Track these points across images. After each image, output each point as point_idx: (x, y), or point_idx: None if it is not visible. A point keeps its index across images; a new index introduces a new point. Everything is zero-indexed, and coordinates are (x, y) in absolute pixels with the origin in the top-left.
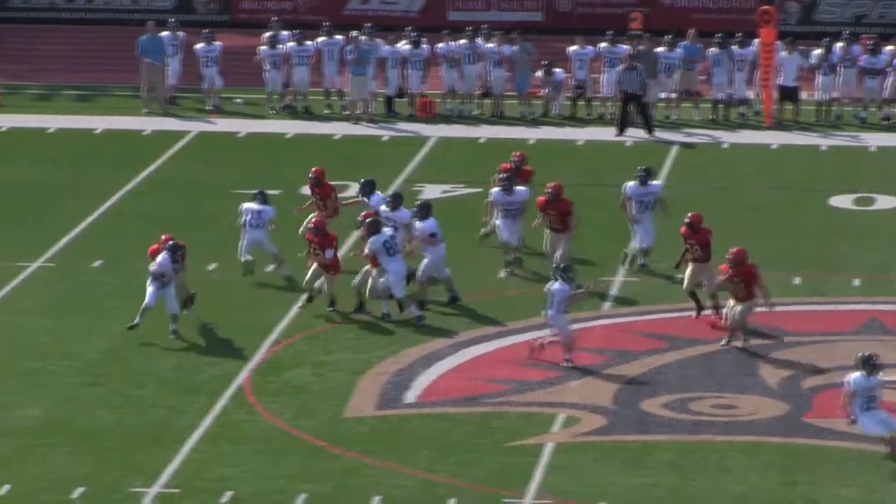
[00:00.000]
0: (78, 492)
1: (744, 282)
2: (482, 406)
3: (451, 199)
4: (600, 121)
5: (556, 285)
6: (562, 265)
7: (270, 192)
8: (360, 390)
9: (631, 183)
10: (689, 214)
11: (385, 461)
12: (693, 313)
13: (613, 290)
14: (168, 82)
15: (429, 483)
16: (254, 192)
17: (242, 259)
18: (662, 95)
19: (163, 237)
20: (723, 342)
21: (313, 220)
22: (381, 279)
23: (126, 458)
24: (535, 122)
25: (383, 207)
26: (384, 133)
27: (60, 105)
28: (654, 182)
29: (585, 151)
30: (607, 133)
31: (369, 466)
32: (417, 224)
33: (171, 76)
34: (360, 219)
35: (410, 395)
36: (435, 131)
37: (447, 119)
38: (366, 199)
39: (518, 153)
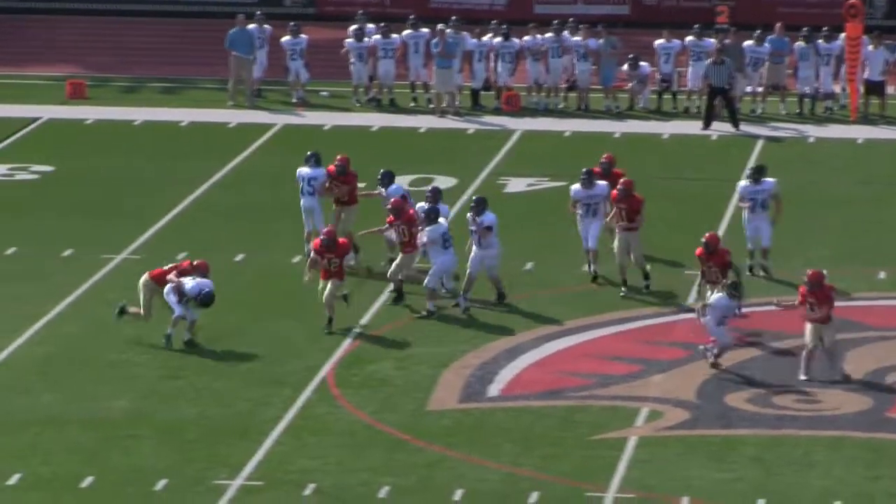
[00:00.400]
0: (161, 484)
1: (818, 302)
2: (566, 400)
3: (536, 193)
4: (686, 114)
5: (717, 297)
6: (730, 281)
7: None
8: (443, 383)
9: (743, 182)
10: (707, 235)
11: (468, 454)
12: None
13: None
14: (254, 75)
15: (512, 476)
16: (308, 155)
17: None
18: (749, 90)
19: (192, 262)
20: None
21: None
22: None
23: (209, 451)
24: (620, 116)
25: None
26: (469, 126)
27: (146, 97)
28: (768, 179)
29: (670, 145)
30: (693, 127)
31: (452, 460)
32: (476, 218)
33: (256, 69)
34: (389, 207)
35: (494, 389)
36: (520, 124)
37: (532, 112)
38: (383, 191)
39: (607, 155)
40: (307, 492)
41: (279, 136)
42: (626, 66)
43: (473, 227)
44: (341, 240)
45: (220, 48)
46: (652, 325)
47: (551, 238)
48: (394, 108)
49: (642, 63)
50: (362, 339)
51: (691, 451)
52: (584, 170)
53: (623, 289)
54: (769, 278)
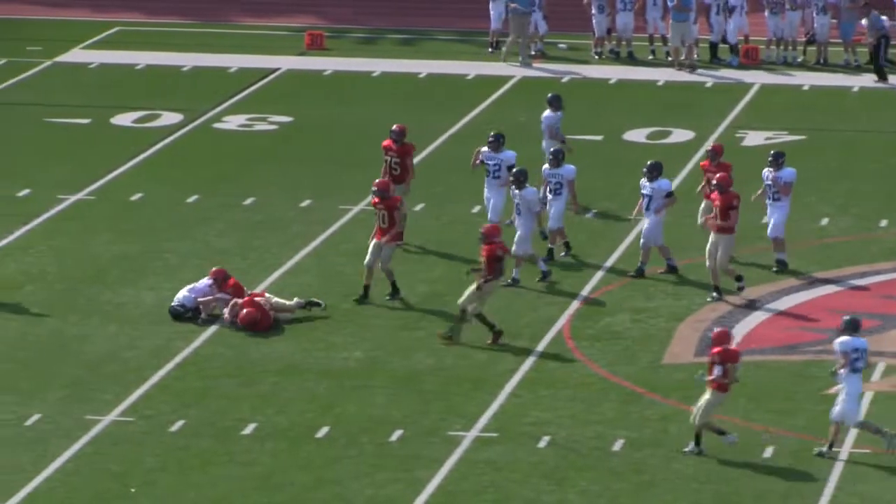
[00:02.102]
0: (397, 434)
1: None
2: (800, 354)
3: (774, 146)
4: None
5: None
6: None
7: (592, 137)
8: (678, 337)
9: None
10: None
11: None
12: None
13: None
14: (493, 26)
15: (746, 430)
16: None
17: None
18: None
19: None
20: None
21: (378, 182)
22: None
23: (445, 402)
24: (858, 70)
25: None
26: (707, 79)
27: (385, 49)
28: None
29: None
30: None
31: (686, 413)
32: (648, 184)
33: (494, 20)
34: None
35: None
36: (758, 78)
37: (771, 66)
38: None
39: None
40: (542, 444)
41: (516, 89)
42: (865, 21)
43: (647, 192)
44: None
45: (457, 0)
46: (891, 280)
47: None
48: (632, 60)
49: (882, 17)
50: (598, 293)
51: None
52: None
53: (713, 294)
54: None
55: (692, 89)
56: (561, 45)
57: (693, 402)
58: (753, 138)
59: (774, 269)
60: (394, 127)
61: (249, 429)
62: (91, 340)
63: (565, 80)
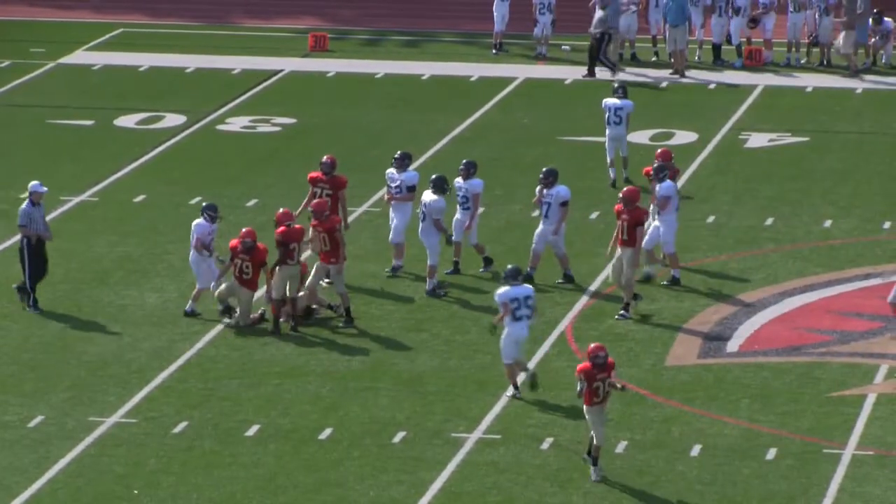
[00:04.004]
0: (400, 436)
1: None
2: (804, 356)
3: (777, 148)
4: None
5: None
6: None
7: (593, 139)
8: (682, 339)
9: None
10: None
11: (706, 410)
12: None
13: None
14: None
15: (750, 432)
16: (615, 87)
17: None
18: None
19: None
20: None
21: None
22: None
23: (449, 403)
24: (862, 72)
25: (459, 180)
26: (711, 80)
27: (388, 51)
28: None
29: None
30: None
31: (690, 415)
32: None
33: (497, 22)
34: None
35: (732, 345)
36: (761, 80)
37: (774, 67)
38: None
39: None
40: (544, 446)
41: (520, 91)
42: (869, 21)
43: (546, 200)
44: None
45: (462, 1)
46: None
47: (791, 193)
48: (635, 61)
49: (886, 19)
50: (602, 294)
51: None
52: (398, 152)
53: (621, 312)
54: None
55: (695, 91)
56: (564, 47)
57: (696, 404)
58: (757, 140)
59: (665, 282)
60: (324, 158)
61: (253, 430)
62: (94, 342)
63: (568, 81)
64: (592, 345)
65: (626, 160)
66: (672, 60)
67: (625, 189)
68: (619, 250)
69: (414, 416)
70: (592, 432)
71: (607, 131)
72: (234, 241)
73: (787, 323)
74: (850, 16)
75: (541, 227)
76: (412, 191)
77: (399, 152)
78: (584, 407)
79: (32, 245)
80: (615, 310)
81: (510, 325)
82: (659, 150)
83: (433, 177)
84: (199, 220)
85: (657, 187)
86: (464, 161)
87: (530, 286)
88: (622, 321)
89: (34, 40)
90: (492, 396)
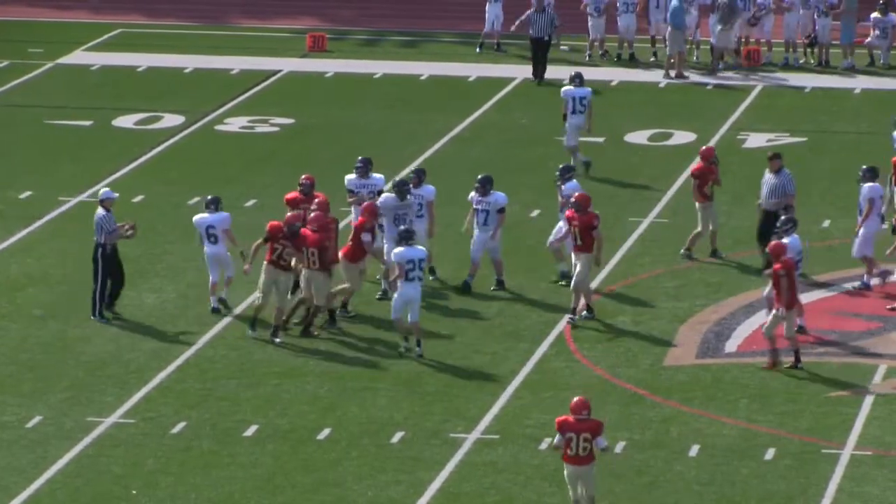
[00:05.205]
0: (398, 436)
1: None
2: (803, 356)
3: (775, 148)
4: None
5: None
6: None
7: (593, 139)
8: (680, 339)
9: None
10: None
11: (704, 410)
12: None
13: None
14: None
15: (748, 432)
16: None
17: None
18: None
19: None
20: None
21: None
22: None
23: (447, 404)
24: (859, 72)
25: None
26: (709, 81)
27: (386, 51)
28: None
29: None
30: None
31: (688, 415)
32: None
33: (495, 22)
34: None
35: (731, 345)
36: (760, 80)
37: (772, 68)
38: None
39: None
40: (543, 446)
41: (518, 91)
42: (874, 14)
43: (483, 208)
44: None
45: (461, 2)
46: (893, 282)
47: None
48: (633, 62)
49: (892, 13)
50: (600, 294)
51: None
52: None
53: (569, 316)
54: None
55: (694, 91)
56: (563, 48)
57: (694, 404)
58: (755, 140)
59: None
60: (302, 178)
61: (251, 430)
62: (92, 342)
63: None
64: (576, 399)
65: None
66: (672, 61)
67: (577, 195)
68: (573, 256)
69: (412, 417)
70: (570, 493)
71: (570, 120)
72: (273, 224)
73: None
74: (722, 11)
75: (477, 233)
76: (502, 212)
77: (415, 169)
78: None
79: (108, 254)
80: (614, 310)
81: (403, 284)
82: (703, 148)
83: (395, 179)
84: (220, 214)
85: (563, 187)
86: (414, 169)
87: (423, 249)
88: (621, 322)
89: (33, 40)
90: (490, 396)
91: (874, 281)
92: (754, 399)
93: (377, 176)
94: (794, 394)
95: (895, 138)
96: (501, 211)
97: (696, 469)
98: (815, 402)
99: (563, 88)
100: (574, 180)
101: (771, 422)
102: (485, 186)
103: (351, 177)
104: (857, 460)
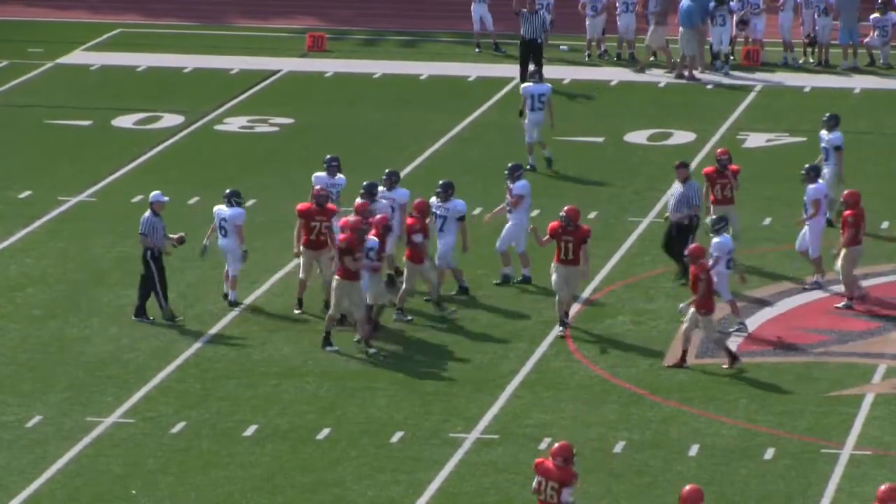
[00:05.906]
0: (398, 436)
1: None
2: (803, 356)
3: (775, 148)
4: None
5: None
6: None
7: (593, 139)
8: (679, 339)
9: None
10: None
11: (704, 410)
12: None
13: None
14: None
15: (748, 432)
16: (531, 72)
17: None
18: None
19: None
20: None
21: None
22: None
23: (446, 404)
24: (860, 71)
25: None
26: (709, 81)
27: (386, 50)
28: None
29: None
30: None
31: (688, 415)
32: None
33: (487, 21)
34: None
35: (731, 344)
36: (759, 80)
37: (772, 68)
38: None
39: (721, 150)
40: (542, 445)
41: (518, 91)
42: (874, 15)
43: (441, 213)
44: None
45: (461, 2)
46: (892, 282)
47: (789, 193)
48: (633, 62)
49: (892, 12)
50: (599, 295)
51: None
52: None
53: (558, 328)
54: None
55: (693, 91)
56: (562, 47)
57: (693, 404)
58: (755, 140)
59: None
60: (317, 187)
61: (250, 430)
62: (92, 342)
63: (566, 81)
64: (559, 444)
65: (544, 143)
66: (678, 60)
67: (567, 208)
68: (561, 268)
69: (412, 417)
70: None
71: (529, 116)
72: (303, 205)
73: (786, 323)
74: (659, 9)
75: (439, 242)
76: (462, 220)
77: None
78: None
79: (157, 256)
80: (614, 310)
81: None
82: (719, 150)
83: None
84: (235, 209)
85: (512, 186)
86: (387, 171)
87: (375, 239)
88: (620, 322)
89: (32, 40)
90: (490, 397)
91: (808, 285)
92: (754, 399)
93: (402, 190)
94: (794, 394)
95: None
96: (461, 219)
97: (696, 469)
98: (814, 401)
99: (522, 85)
100: (524, 179)
101: (770, 422)
102: (446, 192)
103: (320, 174)
104: (857, 460)
